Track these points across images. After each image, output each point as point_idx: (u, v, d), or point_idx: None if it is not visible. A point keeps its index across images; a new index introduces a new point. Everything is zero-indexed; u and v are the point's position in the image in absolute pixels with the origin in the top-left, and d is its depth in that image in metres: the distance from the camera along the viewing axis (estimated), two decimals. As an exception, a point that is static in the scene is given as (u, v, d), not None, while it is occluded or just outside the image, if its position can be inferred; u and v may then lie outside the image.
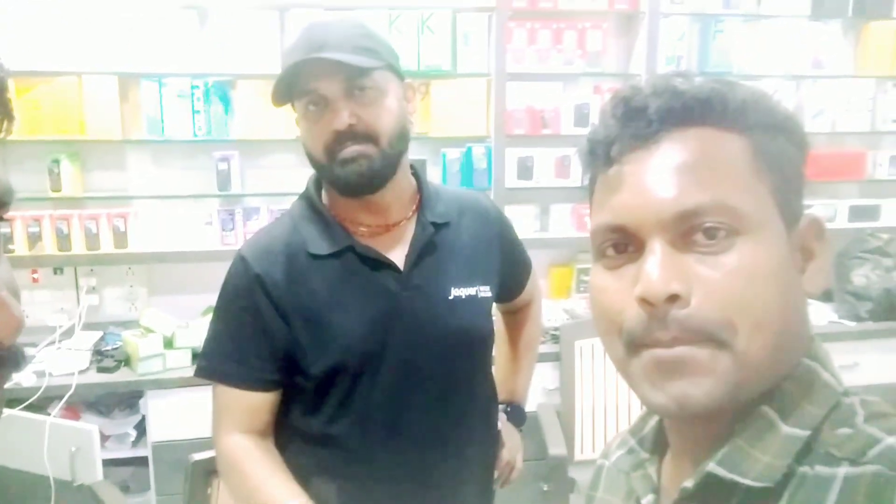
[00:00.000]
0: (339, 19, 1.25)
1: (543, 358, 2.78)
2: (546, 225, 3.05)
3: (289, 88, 1.21)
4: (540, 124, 2.95)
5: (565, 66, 2.94)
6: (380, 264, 1.28)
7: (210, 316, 1.35)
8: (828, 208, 3.21)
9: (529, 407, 2.61)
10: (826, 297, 3.15)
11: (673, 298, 0.57)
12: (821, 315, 3.02)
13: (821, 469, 0.56)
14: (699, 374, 0.57)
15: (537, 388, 2.78)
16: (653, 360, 0.58)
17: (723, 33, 3.03)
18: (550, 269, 3.20)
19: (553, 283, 3.20)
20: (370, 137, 1.20)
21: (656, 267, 0.57)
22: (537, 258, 3.00)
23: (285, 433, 1.34)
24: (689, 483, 0.61)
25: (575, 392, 2.67)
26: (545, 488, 2.67)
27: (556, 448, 2.32)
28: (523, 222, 3.01)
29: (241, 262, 1.28)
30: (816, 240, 0.63)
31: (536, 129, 2.95)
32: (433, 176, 2.94)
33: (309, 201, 1.32)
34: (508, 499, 1.77)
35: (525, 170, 2.96)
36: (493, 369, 1.55)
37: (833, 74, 3.15)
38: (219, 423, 1.31)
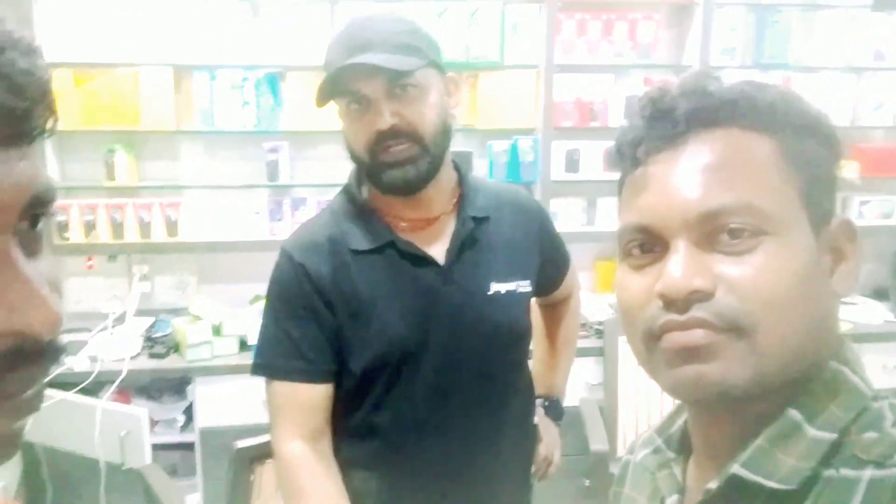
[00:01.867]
0: (381, 15, 1.24)
1: (587, 352, 2.76)
2: (593, 218, 3.02)
3: (331, 88, 1.22)
4: (588, 116, 2.92)
5: (616, 58, 2.90)
6: (420, 260, 1.28)
7: (258, 305, 1.38)
8: (885, 204, 3.11)
9: (572, 401, 2.61)
10: (881, 295, 3.06)
11: (695, 294, 0.57)
12: (876, 314, 2.94)
13: (846, 472, 0.56)
14: (716, 358, 0.57)
15: (580, 383, 2.76)
16: (670, 344, 0.58)
17: (779, 24, 2.95)
18: (597, 262, 3.17)
19: (599, 277, 3.17)
20: (413, 136, 1.21)
21: (679, 265, 0.58)
22: (583, 252, 2.99)
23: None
24: (713, 484, 0.61)
25: (618, 387, 2.65)
26: (587, 483, 2.65)
27: (597, 443, 2.31)
28: (570, 215, 2.99)
29: (284, 256, 1.30)
30: (847, 241, 0.63)
31: (585, 122, 2.92)
32: (480, 168, 2.94)
33: (350, 196, 1.33)
34: (551, 493, 1.77)
35: (572, 162, 2.93)
36: (531, 363, 1.55)
37: (895, 67, 3.04)
38: (278, 427, 1.31)
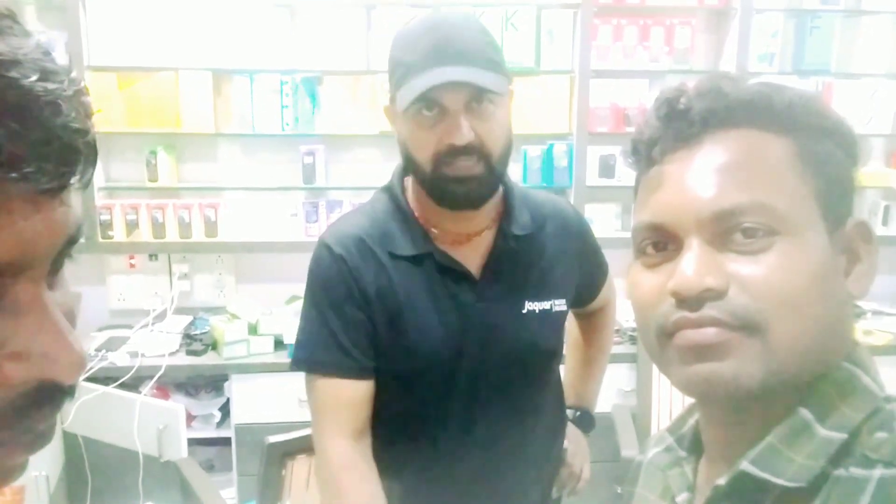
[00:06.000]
0: (463, 21, 1.19)
1: (620, 358, 2.75)
2: (627, 224, 3.00)
3: (399, 85, 1.17)
4: (624, 122, 2.91)
5: (651, 64, 2.89)
6: (457, 274, 1.27)
7: (293, 305, 1.39)
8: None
9: (604, 408, 2.59)
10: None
11: (707, 292, 0.57)
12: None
13: (855, 471, 0.56)
14: (729, 357, 0.57)
15: (612, 389, 2.75)
16: (684, 342, 0.59)
17: (819, 30, 2.91)
18: (631, 268, 3.15)
19: (633, 283, 3.15)
20: (482, 153, 1.17)
21: (692, 263, 0.58)
22: (618, 258, 2.95)
23: None
24: (722, 481, 0.61)
25: (652, 394, 2.63)
26: (619, 490, 2.64)
27: (629, 450, 2.30)
28: (604, 221, 2.98)
29: (323, 247, 1.27)
30: (863, 243, 0.63)
31: (620, 127, 2.91)
32: (514, 173, 2.92)
33: (393, 198, 1.30)
34: (582, 499, 1.75)
35: (607, 168, 2.93)
36: (563, 373, 1.53)
37: (939, 73, 2.99)
38: (320, 425, 1.28)
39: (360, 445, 1.27)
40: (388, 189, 1.32)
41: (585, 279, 1.44)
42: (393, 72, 1.20)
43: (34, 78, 0.38)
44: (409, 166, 1.25)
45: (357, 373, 1.26)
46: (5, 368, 0.40)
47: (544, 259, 1.33)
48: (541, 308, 1.31)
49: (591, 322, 1.62)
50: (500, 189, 1.31)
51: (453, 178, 1.18)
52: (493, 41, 1.21)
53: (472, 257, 1.28)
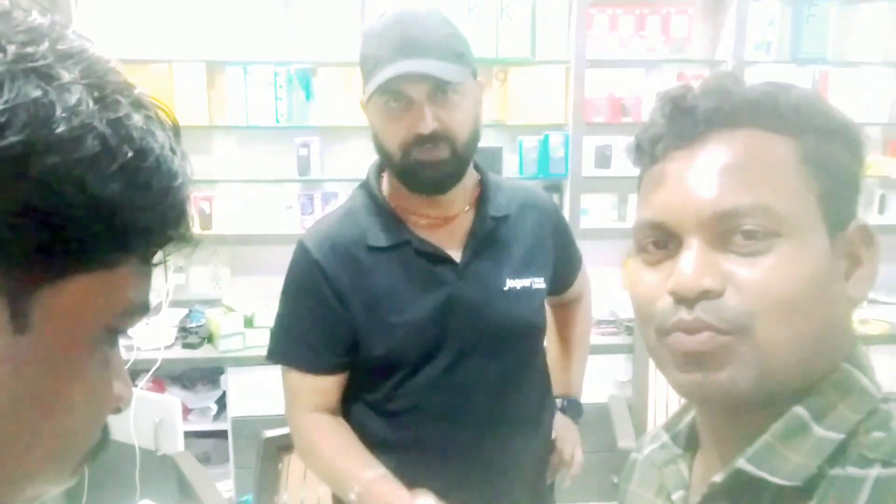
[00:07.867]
0: (428, 14, 1.24)
1: (616, 349, 2.75)
2: (624, 215, 3.00)
3: (368, 78, 1.23)
4: (620, 112, 2.90)
5: (648, 53, 2.88)
6: (436, 257, 1.31)
7: (284, 298, 1.40)
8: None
9: (600, 398, 2.61)
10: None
11: (704, 294, 0.57)
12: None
13: (853, 470, 0.56)
14: (723, 364, 0.57)
15: (609, 380, 2.75)
16: (678, 346, 0.59)
17: (816, 18, 2.90)
18: (627, 259, 3.15)
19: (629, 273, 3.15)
20: (447, 140, 1.23)
21: (691, 263, 0.58)
22: (614, 248, 2.97)
23: (347, 405, 1.38)
24: (717, 477, 0.61)
25: (648, 384, 2.63)
26: (615, 480, 2.64)
27: (625, 440, 2.30)
28: (600, 211, 2.98)
29: (301, 249, 1.33)
30: (864, 246, 0.62)
31: (616, 117, 2.91)
32: (510, 163, 2.94)
33: (369, 192, 1.35)
34: (578, 489, 1.75)
35: (603, 158, 2.92)
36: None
37: (936, 61, 2.98)
38: (291, 407, 1.37)
39: (332, 416, 1.35)
40: (364, 185, 1.38)
41: (561, 263, 1.48)
42: (363, 66, 1.26)
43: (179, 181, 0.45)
44: (381, 155, 1.30)
45: (325, 369, 1.33)
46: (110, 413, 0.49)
47: (521, 240, 1.38)
48: (521, 285, 1.36)
49: (569, 312, 1.65)
50: (476, 175, 1.37)
51: (421, 164, 1.23)
52: (457, 33, 1.26)
53: (451, 240, 1.33)
